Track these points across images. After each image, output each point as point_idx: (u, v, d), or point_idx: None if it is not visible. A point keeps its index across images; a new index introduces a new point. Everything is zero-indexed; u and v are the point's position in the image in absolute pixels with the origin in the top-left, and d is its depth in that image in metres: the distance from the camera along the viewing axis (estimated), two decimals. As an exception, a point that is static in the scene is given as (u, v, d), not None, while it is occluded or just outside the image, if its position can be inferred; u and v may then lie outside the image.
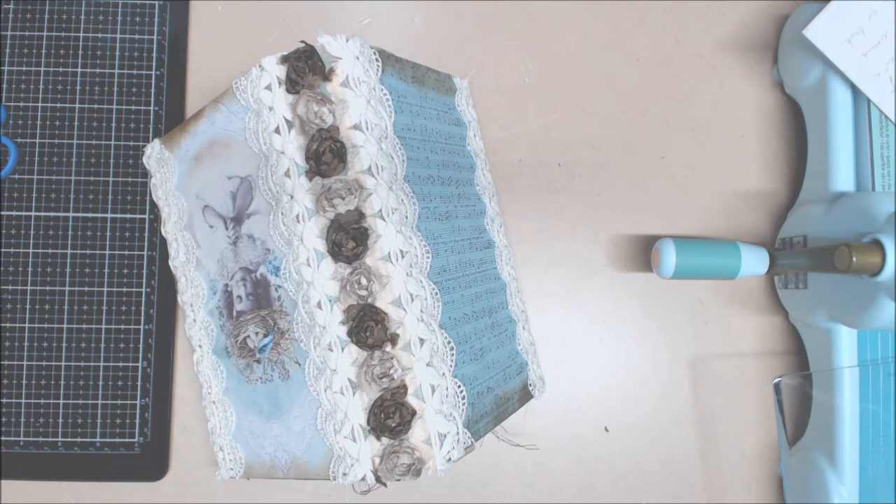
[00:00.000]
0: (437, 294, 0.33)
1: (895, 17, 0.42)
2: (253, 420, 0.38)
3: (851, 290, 0.40)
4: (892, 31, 0.41)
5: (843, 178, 0.43)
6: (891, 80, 0.41)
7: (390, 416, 0.31)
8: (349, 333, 0.31)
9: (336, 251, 0.31)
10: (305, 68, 0.31)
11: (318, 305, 0.32)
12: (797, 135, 0.49)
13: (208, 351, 0.40)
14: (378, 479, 0.31)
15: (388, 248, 0.31)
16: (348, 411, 0.32)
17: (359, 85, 0.31)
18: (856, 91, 0.43)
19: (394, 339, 0.31)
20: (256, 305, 0.37)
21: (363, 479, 0.32)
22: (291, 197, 0.32)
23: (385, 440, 0.31)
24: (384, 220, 0.31)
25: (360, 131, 0.31)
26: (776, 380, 0.48)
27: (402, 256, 0.32)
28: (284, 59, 0.31)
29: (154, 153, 0.41)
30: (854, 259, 0.36)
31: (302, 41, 0.31)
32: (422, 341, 0.32)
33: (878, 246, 0.36)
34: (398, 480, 0.31)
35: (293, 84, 0.31)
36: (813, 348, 0.46)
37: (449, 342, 0.34)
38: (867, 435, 0.43)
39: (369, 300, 0.31)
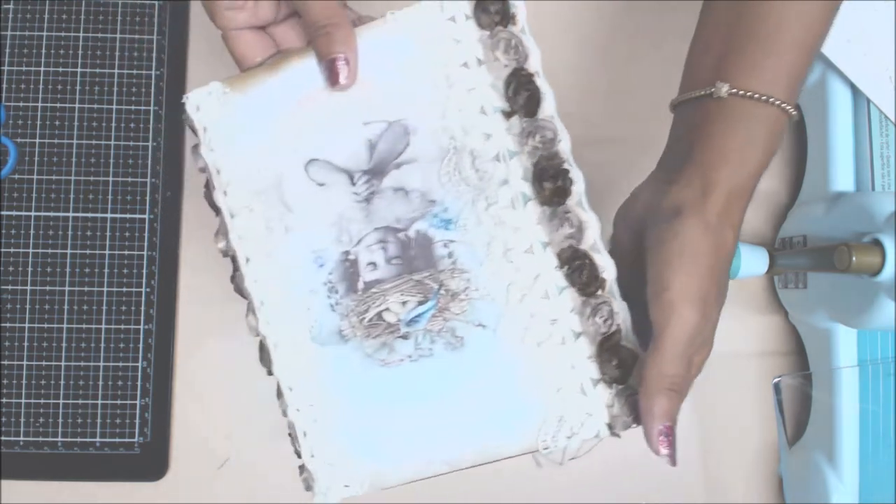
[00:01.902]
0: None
1: (895, 17, 0.42)
2: (392, 410, 0.32)
3: (851, 290, 0.40)
4: (892, 31, 0.41)
5: (843, 177, 0.43)
6: (891, 80, 0.41)
7: (613, 360, 0.30)
8: (567, 278, 0.30)
9: (542, 193, 0.30)
10: (498, 6, 0.30)
11: (530, 251, 0.31)
12: (797, 134, 0.49)
13: (305, 341, 0.32)
14: (612, 431, 0.30)
15: (581, 193, 0.31)
16: (575, 363, 0.30)
17: (531, 33, 0.31)
18: (856, 91, 0.43)
19: (602, 284, 0.30)
20: (406, 269, 0.31)
21: (596, 435, 0.30)
22: (489, 136, 0.31)
23: (615, 387, 0.30)
24: (573, 164, 0.31)
25: (541, 77, 0.31)
26: (776, 380, 0.48)
27: (588, 201, 0.31)
28: None
29: (211, 101, 0.33)
30: (854, 259, 0.36)
31: None
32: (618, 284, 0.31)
33: (878, 246, 0.36)
34: (627, 430, 0.30)
35: (486, 19, 0.31)
36: (813, 348, 0.46)
37: None
38: (867, 435, 0.43)
39: (576, 245, 0.30)
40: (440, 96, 0.31)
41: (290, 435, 0.33)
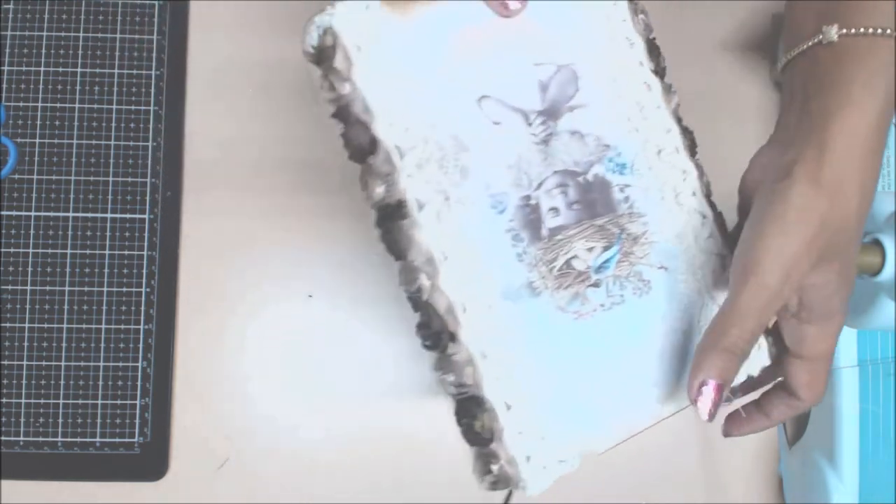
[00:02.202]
0: None
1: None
2: (593, 367, 0.29)
3: (851, 290, 0.40)
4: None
5: (843, 178, 0.43)
6: (891, 80, 0.41)
7: None
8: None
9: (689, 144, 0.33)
10: None
11: (695, 194, 0.32)
12: (797, 135, 0.49)
13: (496, 298, 0.28)
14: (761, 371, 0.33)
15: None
16: None
17: None
18: (856, 91, 0.43)
19: None
20: (588, 214, 0.30)
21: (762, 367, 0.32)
22: (649, 87, 0.32)
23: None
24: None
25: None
26: (776, 380, 0.48)
27: None
28: None
29: (367, 18, 0.27)
30: (854, 259, 0.36)
31: None
32: None
33: (878, 246, 0.36)
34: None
35: None
36: (813, 348, 0.46)
37: None
38: (867, 435, 0.43)
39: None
40: (603, 45, 0.31)
41: (462, 422, 0.28)
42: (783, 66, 0.31)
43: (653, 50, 0.32)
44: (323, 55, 0.27)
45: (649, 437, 0.48)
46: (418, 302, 0.28)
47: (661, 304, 0.31)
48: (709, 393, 0.28)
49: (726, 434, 0.33)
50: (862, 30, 0.28)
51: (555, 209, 0.30)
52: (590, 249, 0.30)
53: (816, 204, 0.27)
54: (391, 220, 0.27)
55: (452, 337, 0.27)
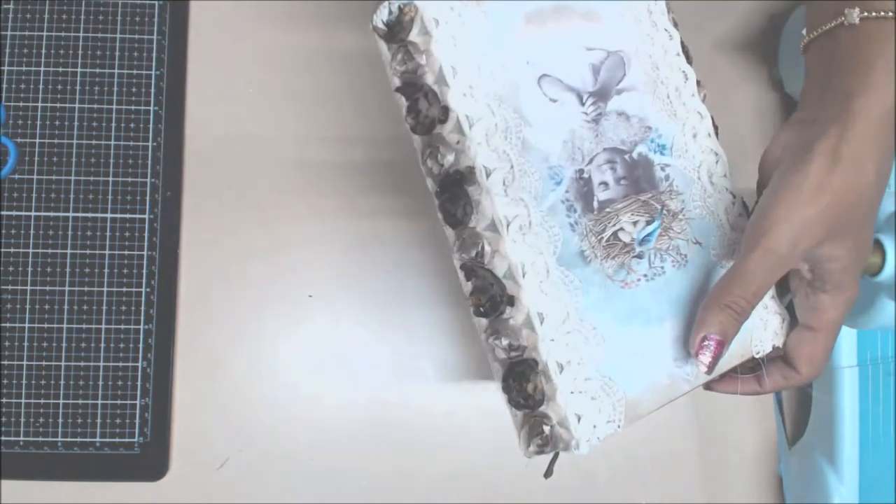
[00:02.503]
0: None
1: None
2: (636, 334, 0.31)
3: (851, 290, 0.40)
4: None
5: (843, 178, 0.43)
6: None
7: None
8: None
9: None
10: None
11: (727, 175, 0.35)
12: (797, 135, 0.49)
13: (552, 263, 0.30)
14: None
15: None
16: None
17: None
18: (856, 91, 0.43)
19: None
20: (633, 190, 0.33)
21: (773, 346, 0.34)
22: (686, 76, 0.35)
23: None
24: None
25: None
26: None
27: None
28: None
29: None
30: (854, 259, 0.36)
31: None
32: None
33: (878, 246, 0.36)
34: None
35: None
36: (813, 348, 0.46)
37: None
38: (867, 435, 0.43)
39: None
40: (648, 35, 0.34)
41: (513, 386, 0.29)
42: (805, 45, 0.32)
43: (684, 44, 0.36)
44: (398, 28, 0.29)
45: (649, 437, 0.48)
46: (474, 268, 0.29)
47: (698, 277, 0.33)
48: (710, 347, 0.29)
49: (707, 387, 0.34)
50: (883, 13, 0.28)
51: (605, 183, 0.32)
52: (634, 223, 0.32)
53: (833, 178, 0.28)
54: (458, 186, 0.29)
55: (511, 301, 0.29)
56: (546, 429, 0.29)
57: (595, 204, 0.31)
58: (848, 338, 0.43)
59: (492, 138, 0.29)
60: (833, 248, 0.29)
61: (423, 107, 0.29)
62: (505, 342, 0.29)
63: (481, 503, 0.47)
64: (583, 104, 0.32)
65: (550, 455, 0.30)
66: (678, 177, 0.34)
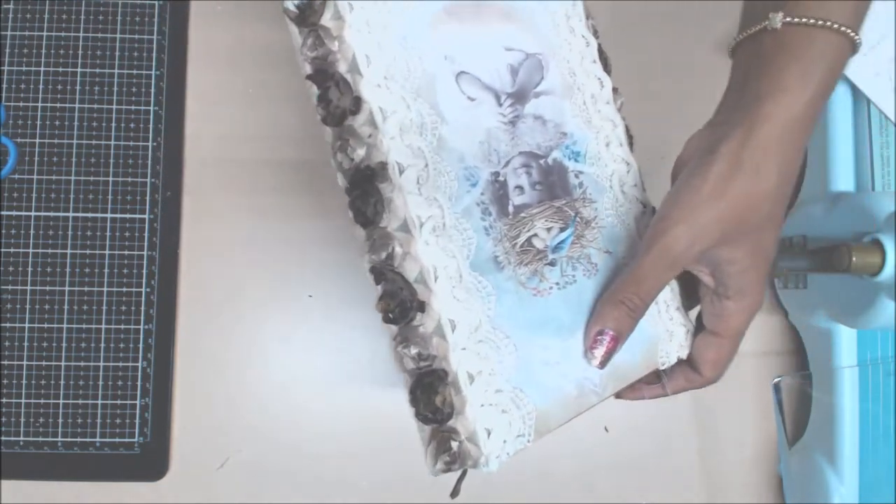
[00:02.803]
0: None
1: (895, 17, 0.42)
2: (547, 344, 0.30)
3: (851, 290, 0.40)
4: (892, 31, 0.41)
5: (843, 177, 0.43)
6: (891, 80, 0.41)
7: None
8: None
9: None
10: None
11: (639, 185, 0.35)
12: (797, 135, 0.49)
13: (465, 268, 0.28)
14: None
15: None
16: (673, 285, 0.34)
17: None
18: (856, 91, 0.43)
19: None
20: (548, 196, 0.32)
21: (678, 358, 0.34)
22: (602, 83, 0.35)
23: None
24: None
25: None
26: (776, 380, 0.48)
27: None
28: None
29: None
30: (854, 259, 0.36)
31: None
32: None
33: (878, 246, 0.36)
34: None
35: None
36: (813, 348, 0.46)
37: None
38: (867, 435, 0.43)
39: None
40: (566, 41, 0.34)
41: (420, 398, 0.27)
42: (731, 48, 0.32)
43: (601, 52, 0.35)
44: (309, 11, 0.27)
45: (649, 437, 0.48)
46: (384, 272, 0.28)
47: (607, 286, 0.32)
48: (604, 342, 0.30)
49: (618, 396, 0.34)
50: (804, 20, 0.28)
51: (520, 187, 0.31)
52: (548, 229, 0.31)
53: (732, 182, 0.28)
54: (369, 182, 0.28)
55: (421, 307, 0.28)
56: (454, 444, 0.27)
57: (510, 208, 0.30)
58: (848, 338, 0.43)
59: (406, 133, 0.28)
60: (730, 251, 0.29)
61: (335, 96, 0.28)
62: (414, 351, 0.27)
63: (481, 503, 0.47)
64: (500, 105, 0.31)
65: (458, 472, 0.28)
66: (591, 184, 0.33)
